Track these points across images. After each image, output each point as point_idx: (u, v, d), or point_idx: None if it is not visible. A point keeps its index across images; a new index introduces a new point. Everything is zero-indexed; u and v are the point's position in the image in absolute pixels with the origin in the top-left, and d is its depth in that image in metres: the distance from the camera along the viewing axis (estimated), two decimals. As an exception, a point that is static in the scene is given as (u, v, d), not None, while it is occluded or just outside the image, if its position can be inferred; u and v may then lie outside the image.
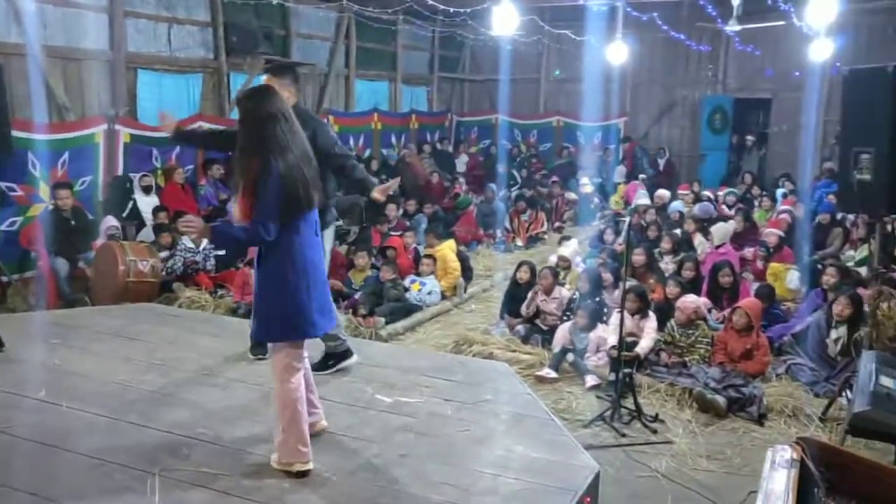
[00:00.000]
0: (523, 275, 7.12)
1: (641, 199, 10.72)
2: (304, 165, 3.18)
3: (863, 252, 8.42)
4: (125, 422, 3.78)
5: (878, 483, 2.18)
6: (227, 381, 4.37)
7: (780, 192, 12.33)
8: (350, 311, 6.98)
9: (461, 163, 15.26)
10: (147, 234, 8.38)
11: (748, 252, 8.66)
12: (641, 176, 13.71)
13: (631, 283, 6.52)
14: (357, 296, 7.34)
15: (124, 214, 8.50)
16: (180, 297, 7.18)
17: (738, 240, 9.20)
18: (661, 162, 14.78)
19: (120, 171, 8.89)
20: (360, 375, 4.49)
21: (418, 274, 7.86)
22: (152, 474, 3.24)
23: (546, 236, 11.06)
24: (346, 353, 4.53)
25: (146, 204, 8.71)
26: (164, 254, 7.62)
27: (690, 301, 6.17)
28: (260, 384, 4.31)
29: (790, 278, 7.88)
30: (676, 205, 10.86)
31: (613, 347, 5.54)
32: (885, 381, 3.61)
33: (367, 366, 4.62)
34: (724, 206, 11.23)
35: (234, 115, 9.64)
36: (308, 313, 3.21)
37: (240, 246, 3.24)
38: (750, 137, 14.58)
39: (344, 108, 13.14)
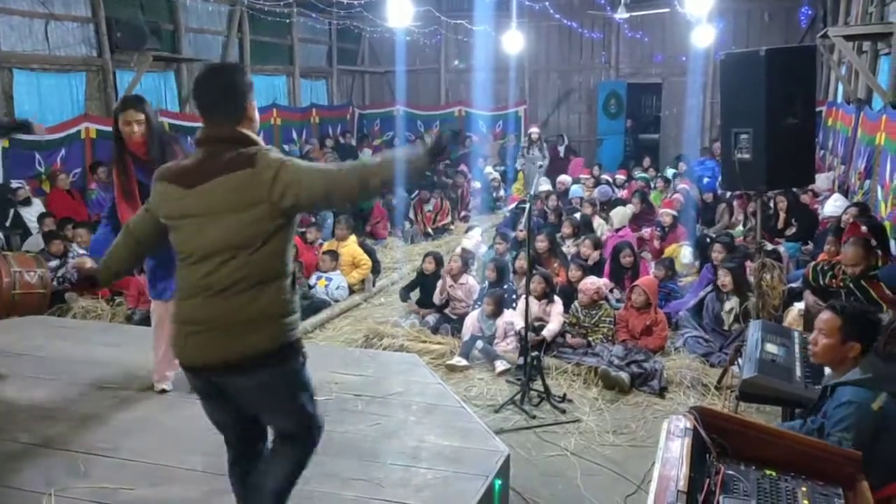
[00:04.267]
0: (429, 266, 7.15)
1: (543, 185, 10.93)
2: None
3: (738, 226, 9.01)
4: (16, 442, 3.58)
5: (761, 443, 2.32)
6: (127, 393, 4.20)
7: (670, 171, 12.80)
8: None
9: (365, 156, 15.15)
10: (36, 242, 7.91)
11: (645, 232, 9.00)
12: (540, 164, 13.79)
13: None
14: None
15: (7, 224, 8.00)
16: (74, 307, 6.84)
17: (636, 221, 9.53)
18: (561, 148, 15.12)
19: (0, 178, 8.36)
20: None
21: (322, 271, 7.75)
22: (48, 495, 3.09)
23: (453, 226, 11.14)
24: None
25: (31, 212, 8.22)
26: (54, 263, 7.21)
27: (591, 282, 6.35)
28: (164, 394, 4.17)
29: (684, 254, 8.28)
30: (576, 189, 11.13)
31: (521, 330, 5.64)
32: (770, 347, 3.80)
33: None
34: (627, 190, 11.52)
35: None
36: (150, 280, 4.13)
37: None
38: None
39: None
